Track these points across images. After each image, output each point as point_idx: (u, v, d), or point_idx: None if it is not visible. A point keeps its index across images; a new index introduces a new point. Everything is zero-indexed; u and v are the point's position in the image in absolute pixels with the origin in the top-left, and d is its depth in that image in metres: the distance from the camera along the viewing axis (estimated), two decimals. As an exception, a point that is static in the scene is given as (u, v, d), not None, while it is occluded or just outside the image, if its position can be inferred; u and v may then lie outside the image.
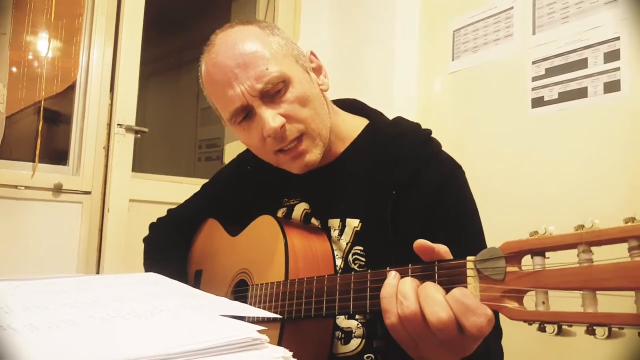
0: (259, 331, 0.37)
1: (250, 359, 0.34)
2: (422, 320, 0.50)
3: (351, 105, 0.91)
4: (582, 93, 1.39)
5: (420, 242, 0.54)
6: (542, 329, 0.44)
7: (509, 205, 1.51)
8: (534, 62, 1.52)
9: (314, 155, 0.77)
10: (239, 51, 0.74)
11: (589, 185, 1.34)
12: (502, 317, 0.48)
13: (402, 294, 0.52)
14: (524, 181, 1.51)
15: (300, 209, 0.86)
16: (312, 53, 0.82)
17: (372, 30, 2.00)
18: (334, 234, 0.79)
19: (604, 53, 1.35)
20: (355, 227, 0.77)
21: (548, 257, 0.45)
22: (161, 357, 0.33)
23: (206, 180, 1.10)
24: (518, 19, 1.59)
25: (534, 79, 1.52)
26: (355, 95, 0.94)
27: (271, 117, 0.73)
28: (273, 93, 0.74)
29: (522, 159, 1.53)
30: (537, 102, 1.50)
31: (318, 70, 0.82)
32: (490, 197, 1.52)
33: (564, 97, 1.43)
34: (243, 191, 0.94)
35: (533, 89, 1.52)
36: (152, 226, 1.08)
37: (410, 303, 0.50)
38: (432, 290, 0.50)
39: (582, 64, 1.40)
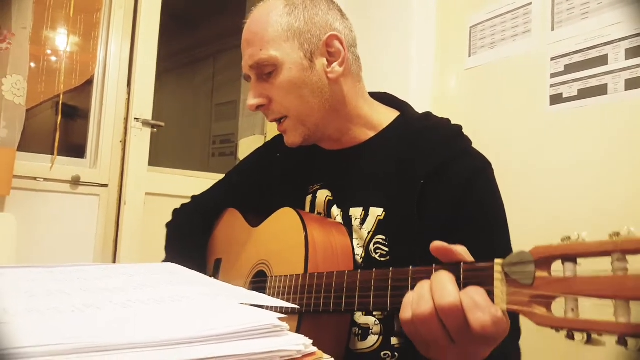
0: (279, 319, 0.38)
1: (272, 345, 0.34)
2: (436, 321, 0.50)
3: (383, 98, 0.90)
4: (602, 90, 1.37)
5: (437, 245, 0.53)
6: (570, 337, 0.42)
7: (527, 204, 1.49)
8: (552, 59, 1.50)
9: (292, 138, 0.83)
10: (248, 27, 0.82)
11: (609, 184, 1.32)
12: (527, 321, 0.47)
13: (419, 294, 0.51)
14: (542, 180, 1.49)
15: (322, 195, 0.85)
16: (333, 37, 0.80)
17: (387, 27, 1.99)
18: (355, 223, 0.79)
19: (625, 49, 1.33)
20: (378, 216, 0.77)
21: (579, 264, 0.43)
22: (183, 341, 0.33)
23: (221, 175, 1.10)
24: (536, 15, 1.57)
25: (553, 75, 1.50)
26: (369, 90, 0.94)
27: (252, 95, 0.81)
28: (265, 73, 0.79)
29: (540, 157, 1.51)
30: (556, 99, 1.48)
31: (335, 55, 0.80)
32: (507, 195, 1.50)
33: (584, 94, 1.41)
34: (270, 178, 0.94)
35: (551, 85, 1.50)
36: (176, 212, 1.09)
37: (425, 303, 0.50)
38: (445, 280, 0.50)
39: (603, 60, 1.37)
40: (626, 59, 1.32)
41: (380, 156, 0.81)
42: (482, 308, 0.47)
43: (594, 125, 1.38)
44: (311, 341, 0.38)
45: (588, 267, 0.43)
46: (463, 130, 0.81)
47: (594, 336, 0.41)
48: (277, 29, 0.78)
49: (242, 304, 0.43)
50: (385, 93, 0.92)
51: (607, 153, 1.34)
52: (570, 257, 0.43)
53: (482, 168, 0.77)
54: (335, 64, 0.80)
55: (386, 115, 0.86)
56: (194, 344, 0.33)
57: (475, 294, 0.48)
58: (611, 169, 1.32)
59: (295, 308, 0.63)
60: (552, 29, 1.52)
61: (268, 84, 0.80)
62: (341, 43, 0.80)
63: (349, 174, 0.84)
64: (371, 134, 0.84)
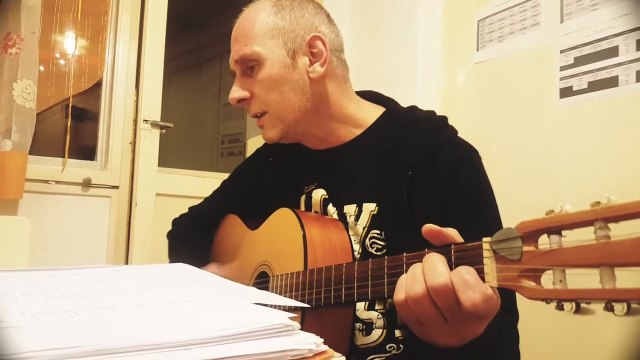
0: (290, 318, 0.38)
1: (283, 345, 0.35)
2: (429, 301, 0.51)
3: (367, 96, 0.92)
4: (612, 82, 1.36)
5: (429, 227, 0.54)
6: (560, 307, 0.43)
7: (537, 199, 1.48)
8: (562, 51, 1.49)
9: (270, 132, 0.84)
10: (237, 25, 0.85)
11: (620, 178, 1.30)
12: (521, 299, 0.48)
13: (412, 276, 0.53)
14: (552, 174, 1.48)
15: (318, 194, 0.87)
16: (316, 37, 0.82)
17: (393, 21, 1.98)
18: (350, 219, 0.80)
19: (636, 40, 1.31)
20: (372, 210, 0.78)
21: (564, 236, 0.44)
22: (196, 342, 0.33)
23: (229, 175, 1.11)
24: (545, 7, 1.55)
25: (562, 68, 1.48)
26: (376, 88, 0.95)
27: (235, 89, 0.84)
28: (247, 68, 0.82)
29: (550, 151, 1.50)
30: (566, 92, 1.47)
31: (318, 55, 0.82)
32: (518, 190, 1.49)
33: (594, 86, 1.40)
34: (264, 183, 0.96)
35: (561, 78, 1.48)
36: (175, 222, 1.11)
37: (417, 284, 0.52)
38: (436, 261, 0.52)
39: (613, 52, 1.36)
40: (637, 50, 1.31)
41: (368, 152, 0.83)
42: (472, 287, 0.49)
43: (605, 117, 1.37)
44: (322, 340, 0.38)
45: (573, 238, 0.43)
46: (449, 121, 0.82)
47: (583, 305, 0.42)
48: (262, 27, 0.81)
49: (253, 303, 0.44)
50: (370, 91, 0.94)
51: (618, 146, 1.33)
52: (555, 230, 0.44)
53: (468, 156, 0.78)
54: (317, 64, 0.82)
55: (372, 113, 0.87)
56: (207, 345, 0.33)
57: (465, 274, 0.49)
58: (623, 162, 1.31)
59: (305, 307, 0.63)
60: (561, 21, 1.50)
61: (251, 78, 0.82)
62: (324, 44, 0.82)
63: (339, 173, 0.85)
64: (358, 131, 0.86)
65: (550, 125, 1.50)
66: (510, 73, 1.65)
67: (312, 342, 0.37)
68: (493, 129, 1.66)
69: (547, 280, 0.45)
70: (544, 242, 0.45)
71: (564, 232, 0.44)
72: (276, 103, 0.82)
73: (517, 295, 0.56)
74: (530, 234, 0.46)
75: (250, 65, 0.81)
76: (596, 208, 0.41)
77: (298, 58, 0.81)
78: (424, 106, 0.88)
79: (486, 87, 1.74)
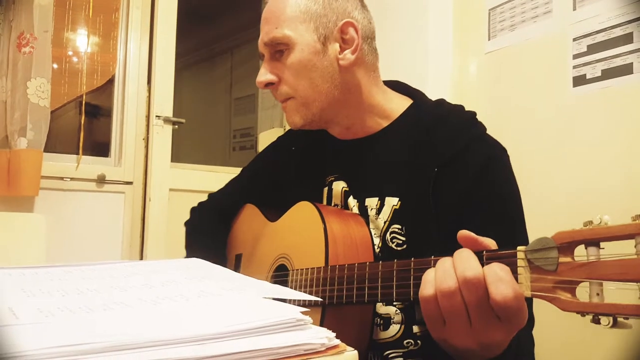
0: (302, 312, 0.38)
1: (295, 339, 0.35)
2: (459, 295, 0.50)
3: (395, 86, 0.90)
4: (627, 69, 1.33)
5: (464, 233, 0.53)
6: (596, 321, 0.42)
7: (551, 190, 1.47)
8: (574, 39, 1.46)
9: (294, 118, 0.82)
10: (268, 6, 0.82)
11: (636, 168, 1.28)
12: (552, 307, 0.47)
13: (442, 270, 0.52)
14: (566, 164, 1.46)
15: (339, 186, 0.86)
16: (348, 24, 0.79)
17: (404, 11, 1.96)
18: (372, 212, 0.79)
19: (651, 26, 1.29)
20: (394, 205, 0.77)
21: (603, 248, 0.43)
22: (209, 337, 0.34)
23: (250, 162, 1.11)
24: (557, -5, 1.53)
25: (575, 56, 1.46)
26: (386, 79, 0.93)
27: (263, 72, 0.82)
28: (275, 52, 0.80)
29: (563, 141, 1.48)
30: (579, 81, 1.45)
31: (349, 42, 0.80)
32: (531, 181, 1.48)
33: (608, 74, 1.37)
34: (286, 172, 0.95)
35: (574, 67, 1.46)
36: (194, 210, 1.10)
37: (449, 277, 0.50)
38: (468, 255, 0.51)
39: (627, 38, 1.33)
40: (652, 37, 1.28)
41: (394, 145, 0.81)
42: (505, 281, 0.47)
43: (619, 106, 1.34)
44: (334, 334, 0.38)
45: (611, 250, 0.42)
46: (477, 117, 0.80)
47: (620, 319, 0.41)
48: (294, 10, 0.79)
49: (266, 298, 0.44)
50: (397, 81, 0.92)
51: (633, 134, 1.31)
52: (593, 242, 0.43)
53: (497, 154, 0.76)
54: (347, 51, 0.79)
55: (399, 104, 0.85)
56: (219, 340, 0.33)
57: (499, 269, 0.48)
58: (638, 151, 1.29)
59: (318, 300, 0.64)
60: (574, 9, 1.47)
61: (280, 63, 0.80)
62: (356, 31, 0.79)
63: (363, 165, 0.84)
64: (385, 123, 0.84)
65: (564, 115, 1.48)
66: (522, 62, 1.63)
67: (324, 336, 0.37)
68: (505, 119, 1.64)
69: (582, 292, 0.44)
70: (580, 253, 0.44)
71: (602, 244, 0.43)
72: (304, 89, 0.79)
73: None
74: (567, 244, 0.45)
75: (280, 49, 0.79)
76: (638, 222, 0.40)
77: (329, 44, 0.79)
78: (435, 96, 0.87)
79: (498, 77, 1.72)
